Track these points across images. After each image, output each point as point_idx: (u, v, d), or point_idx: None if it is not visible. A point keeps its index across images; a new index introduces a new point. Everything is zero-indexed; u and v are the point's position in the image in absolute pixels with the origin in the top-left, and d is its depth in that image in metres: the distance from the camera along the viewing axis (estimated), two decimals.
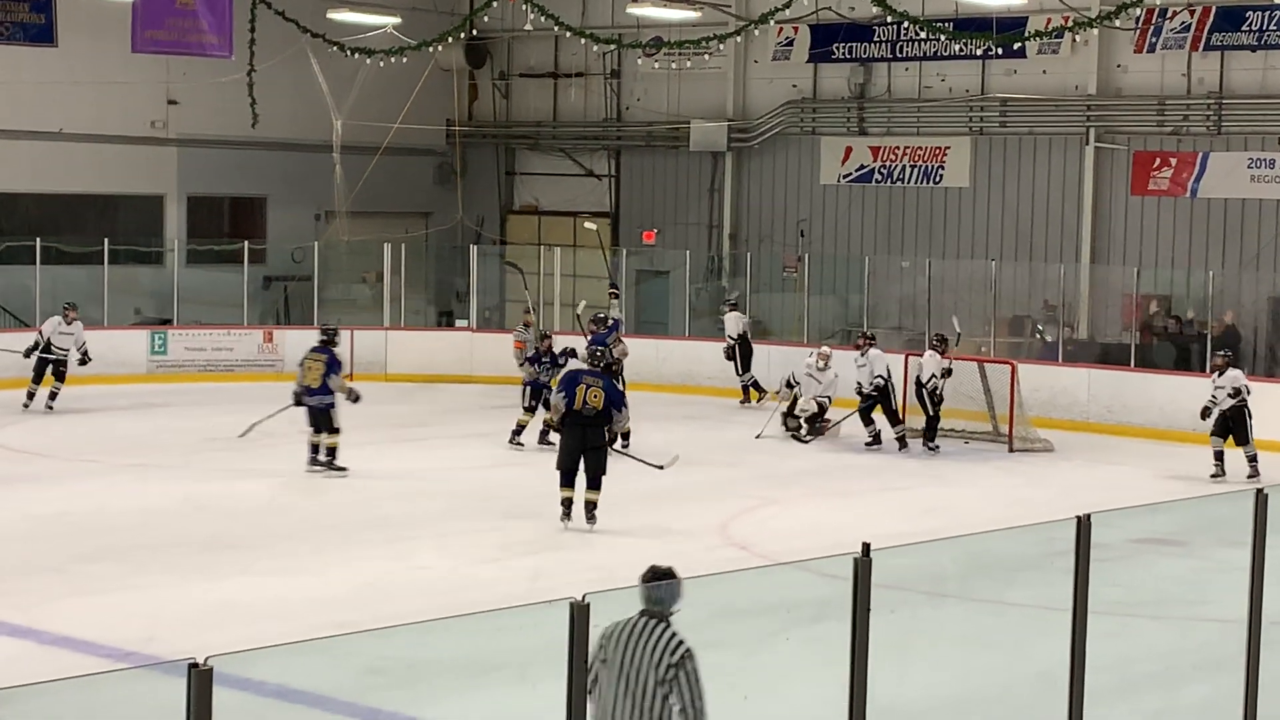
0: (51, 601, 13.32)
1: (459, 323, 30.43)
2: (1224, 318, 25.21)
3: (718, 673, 10.31)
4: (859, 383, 22.44)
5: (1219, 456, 20.16)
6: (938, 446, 22.19)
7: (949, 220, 29.95)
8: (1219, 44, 27.00)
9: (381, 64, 28.02)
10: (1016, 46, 27.36)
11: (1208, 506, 17.08)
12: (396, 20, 29.17)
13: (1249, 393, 20.13)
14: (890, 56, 30.36)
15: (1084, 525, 8.54)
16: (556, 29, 26.98)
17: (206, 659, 5.78)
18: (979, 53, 28.32)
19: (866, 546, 7.55)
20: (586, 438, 16.39)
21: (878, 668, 7.74)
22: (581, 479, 16.44)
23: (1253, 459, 20.12)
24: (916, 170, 30.21)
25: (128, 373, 26.94)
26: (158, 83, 30.34)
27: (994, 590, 13.16)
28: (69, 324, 24.14)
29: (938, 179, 30.03)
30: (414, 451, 21.35)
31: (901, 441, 22.29)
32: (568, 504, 16.48)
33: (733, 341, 26.47)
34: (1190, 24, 27.05)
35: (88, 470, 19.27)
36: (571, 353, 21.21)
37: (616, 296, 27.35)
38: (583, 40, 28.20)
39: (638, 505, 17.76)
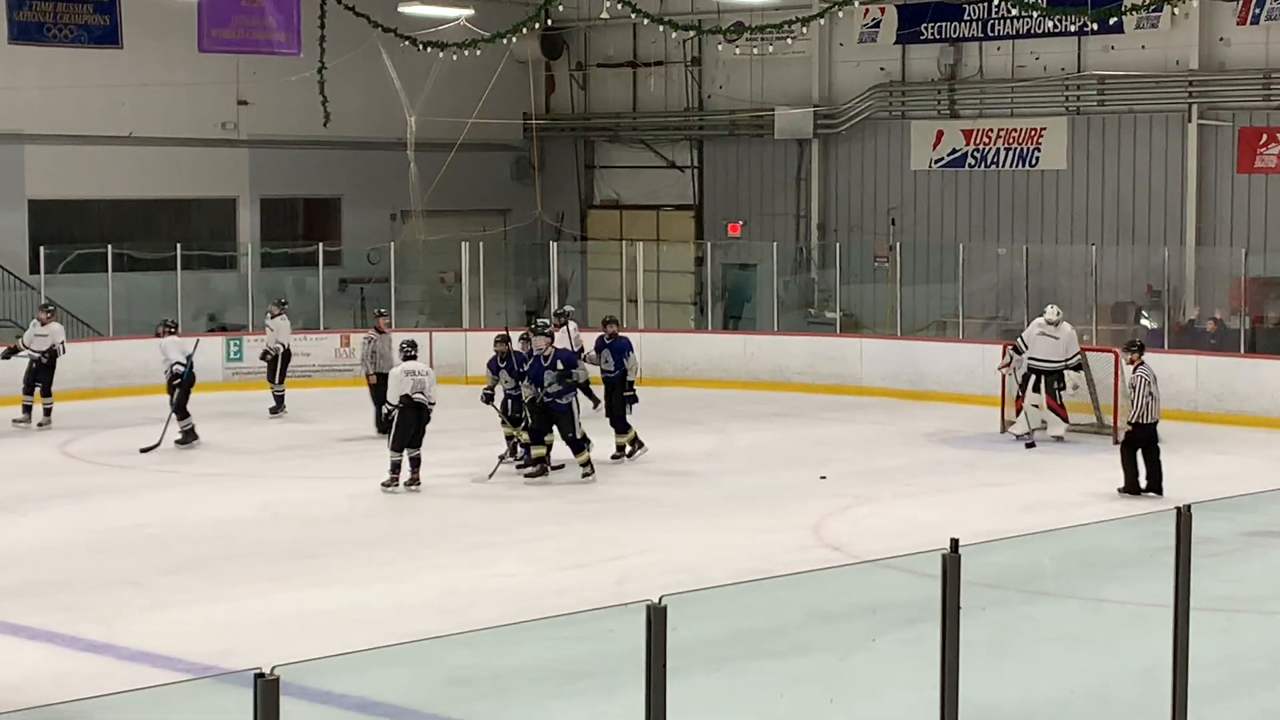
0: (130, 615, 13.26)
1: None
2: None
3: (813, 675, 10.56)
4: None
5: None
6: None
7: (1046, 204, 29.44)
8: None
9: (455, 57, 27.78)
10: (1113, 21, 26.83)
11: None
12: (469, 12, 28.81)
13: None
14: (981, 35, 29.84)
15: (1184, 517, 8.42)
16: (634, 17, 26.76)
17: (273, 669, 5.81)
18: (1074, 29, 27.93)
19: (955, 543, 7.49)
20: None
21: (973, 667, 7.70)
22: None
23: None
24: (1011, 153, 29.69)
25: (204, 379, 26.45)
26: (227, 83, 30.27)
27: (1092, 587, 12.95)
28: (44, 325, 23.45)
29: (1033, 161, 29.48)
30: (494, 455, 20.82)
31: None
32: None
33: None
34: None
35: (165, 481, 19.21)
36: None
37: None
38: (661, 28, 28.08)
39: (728, 505, 17.66)
